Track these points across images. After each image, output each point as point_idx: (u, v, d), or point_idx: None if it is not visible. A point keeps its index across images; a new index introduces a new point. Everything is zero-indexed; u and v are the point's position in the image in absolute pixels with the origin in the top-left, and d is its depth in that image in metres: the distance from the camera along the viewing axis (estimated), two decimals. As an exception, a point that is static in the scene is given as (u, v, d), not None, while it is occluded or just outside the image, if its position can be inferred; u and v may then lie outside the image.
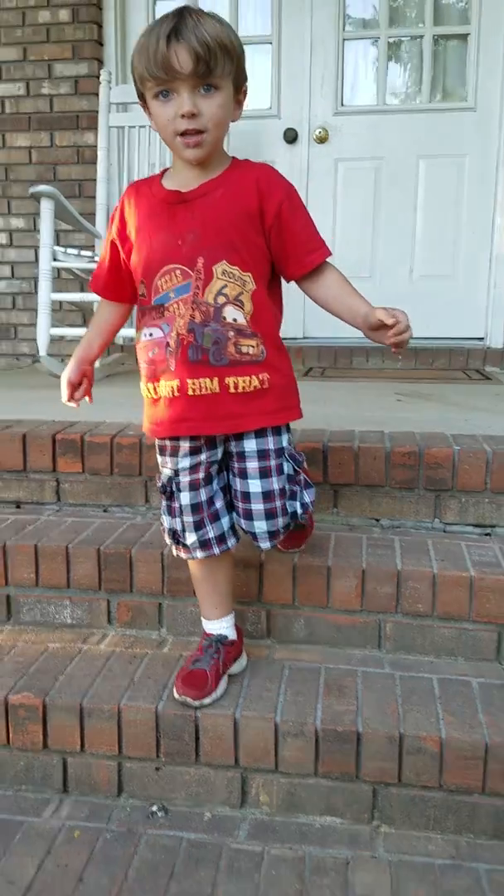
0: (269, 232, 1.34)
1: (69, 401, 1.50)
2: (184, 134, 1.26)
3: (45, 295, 2.89)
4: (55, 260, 2.96)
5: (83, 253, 3.23)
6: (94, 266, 2.84)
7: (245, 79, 1.30)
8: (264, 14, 3.75)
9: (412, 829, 1.39)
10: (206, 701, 1.45)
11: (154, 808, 1.46)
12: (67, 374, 1.49)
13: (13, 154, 3.86)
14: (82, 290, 3.43)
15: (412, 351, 3.68)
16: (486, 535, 1.84)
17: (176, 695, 1.47)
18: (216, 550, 1.46)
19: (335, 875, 1.29)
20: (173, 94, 1.24)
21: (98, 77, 3.44)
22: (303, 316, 3.78)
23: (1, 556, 1.79)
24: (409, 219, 3.78)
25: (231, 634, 1.54)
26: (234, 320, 1.33)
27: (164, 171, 1.41)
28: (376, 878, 1.29)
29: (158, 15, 3.82)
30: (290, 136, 3.76)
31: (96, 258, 3.07)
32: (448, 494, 1.85)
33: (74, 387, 1.50)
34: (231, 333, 1.33)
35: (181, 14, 1.20)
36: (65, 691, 1.52)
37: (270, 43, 3.74)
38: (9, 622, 1.81)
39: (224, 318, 1.32)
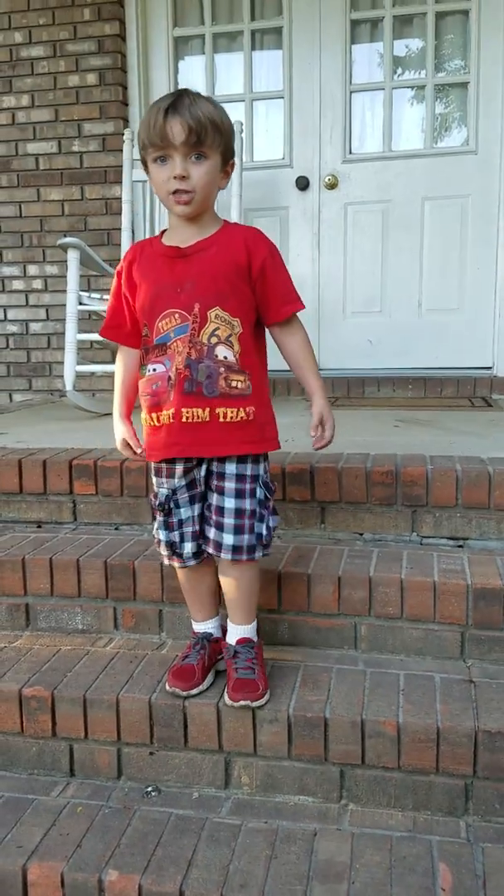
0: (255, 283, 1.55)
1: (134, 455, 1.71)
2: (175, 192, 1.48)
3: (72, 335, 3.16)
4: (81, 304, 3.22)
5: (105, 297, 3.49)
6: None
7: (232, 154, 1.53)
8: (276, 71, 4.03)
9: (376, 807, 1.55)
10: (193, 692, 1.63)
11: (149, 789, 1.64)
12: (122, 435, 1.69)
13: (47, 207, 4.18)
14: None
15: (421, 381, 3.85)
16: (459, 546, 2.00)
17: (167, 687, 1.65)
18: (204, 556, 1.65)
19: (302, 843, 1.46)
20: (169, 160, 1.47)
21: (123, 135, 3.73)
22: (317, 349, 3.97)
23: (20, 568, 2.01)
24: (415, 256, 3.97)
25: (216, 633, 1.72)
26: (225, 358, 1.53)
27: (163, 232, 1.62)
28: (338, 846, 1.45)
29: (180, 76, 4.17)
30: (302, 184, 4.00)
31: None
32: (424, 510, 2.02)
33: (135, 440, 1.70)
34: (222, 369, 1.53)
35: (180, 94, 1.45)
36: (71, 685, 1.72)
37: (283, 98, 4.01)
38: (27, 629, 2.02)
39: (216, 356, 1.53)
